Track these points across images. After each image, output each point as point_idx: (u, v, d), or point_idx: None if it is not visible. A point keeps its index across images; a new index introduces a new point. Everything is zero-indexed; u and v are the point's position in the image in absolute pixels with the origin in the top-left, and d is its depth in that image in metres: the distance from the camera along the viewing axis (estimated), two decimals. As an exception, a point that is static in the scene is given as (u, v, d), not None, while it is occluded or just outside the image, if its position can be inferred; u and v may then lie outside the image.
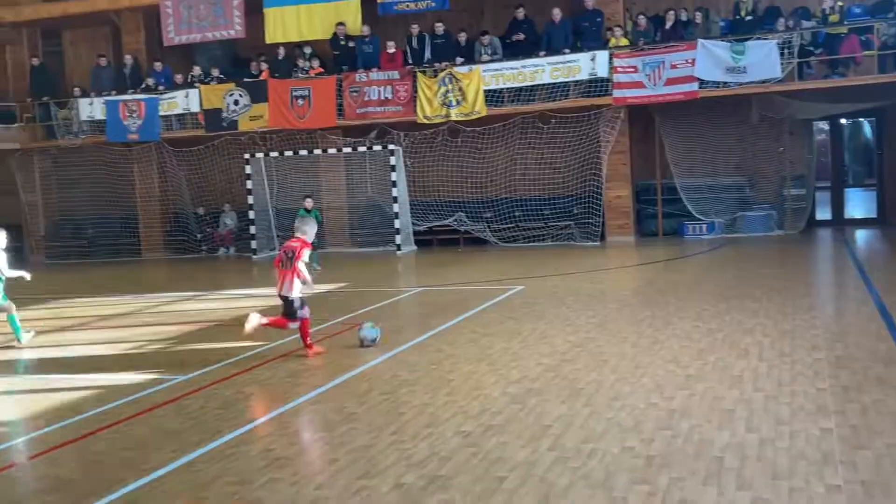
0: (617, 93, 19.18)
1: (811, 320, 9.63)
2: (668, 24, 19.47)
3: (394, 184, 20.34)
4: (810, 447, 5.49)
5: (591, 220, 20.05)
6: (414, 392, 7.38)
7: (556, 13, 19.93)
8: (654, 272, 14.55)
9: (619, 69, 19.07)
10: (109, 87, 23.01)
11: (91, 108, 22.81)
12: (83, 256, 23.66)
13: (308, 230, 9.21)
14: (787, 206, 20.10)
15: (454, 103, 20.10)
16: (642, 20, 19.58)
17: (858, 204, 24.56)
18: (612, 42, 19.41)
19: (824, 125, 22.54)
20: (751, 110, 19.97)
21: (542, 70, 19.58)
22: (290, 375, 8.28)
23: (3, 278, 10.68)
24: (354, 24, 21.09)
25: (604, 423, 6.23)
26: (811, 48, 18.75)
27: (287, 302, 9.00)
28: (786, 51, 18.20)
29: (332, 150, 21.22)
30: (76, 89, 23.29)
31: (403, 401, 7.11)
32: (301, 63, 21.63)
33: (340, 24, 21.02)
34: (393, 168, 20.36)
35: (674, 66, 18.69)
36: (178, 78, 22.43)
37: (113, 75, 23.32)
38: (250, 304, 13.60)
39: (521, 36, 20.03)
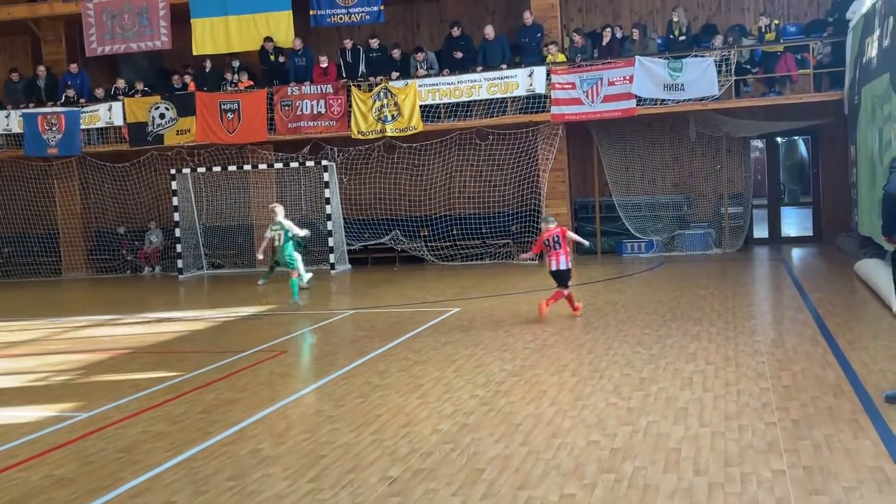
0: (555, 109, 18.87)
1: (755, 345, 9.30)
2: (605, 41, 19.23)
3: (327, 201, 19.70)
4: (763, 492, 5.07)
5: (529, 239, 19.67)
6: (337, 430, 6.79)
7: (489, 31, 19.61)
8: (593, 292, 14.18)
9: (556, 85, 18.77)
10: (25, 100, 21.96)
11: (7, 121, 21.72)
12: (2, 276, 22.49)
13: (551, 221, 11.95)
14: (724, 225, 19.99)
15: (389, 118, 19.57)
16: (577, 38, 19.32)
17: (795, 221, 24.67)
18: (549, 58, 19.12)
19: (760, 143, 22.58)
20: (688, 128, 19.86)
21: (479, 85, 19.18)
22: (205, 411, 7.62)
23: None
24: (286, 36, 20.46)
25: (542, 465, 5.72)
26: (748, 66, 18.70)
27: (566, 273, 11.70)
28: (723, 68, 18.11)
29: (262, 166, 20.50)
30: (-10, 101, 22.19)
31: (325, 441, 6.52)
32: (229, 76, 20.90)
33: (268, 38, 20.36)
34: (327, 185, 19.73)
35: (612, 83, 18.45)
36: (100, 92, 21.48)
37: (27, 87, 22.24)
38: (171, 328, 12.87)
39: (459, 54, 19.59)
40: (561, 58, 19.12)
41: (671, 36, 19.30)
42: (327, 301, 15.54)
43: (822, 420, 6.44)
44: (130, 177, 21.92)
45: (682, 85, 18.10)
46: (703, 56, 18.25)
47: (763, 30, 18.75)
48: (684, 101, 18.31)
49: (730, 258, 18.61)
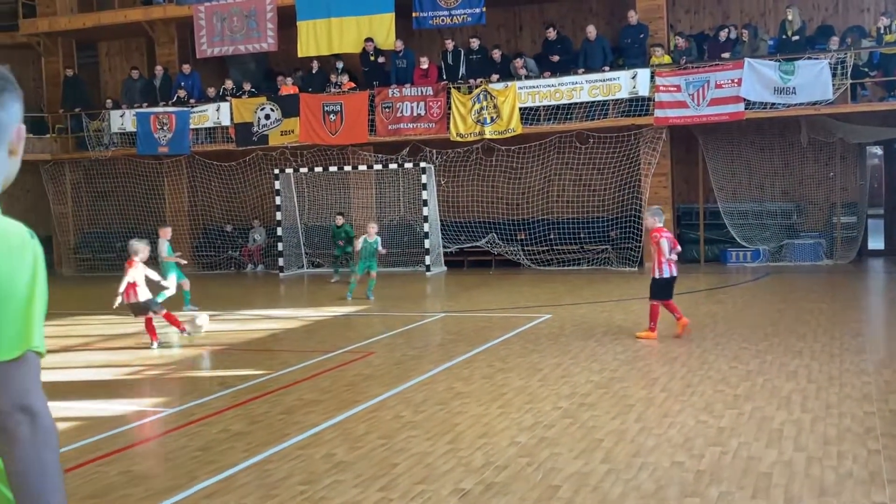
0: (658, 112, 18.37)
1: (861, 364, 8.75)
2: (713, 42, 18.61)
3: (425, 203, 19.71)
4: (860, 528, 4.69)
5: (629, 245, 19.23)
6: (414, 438, 6.67)
7: (591, 31, 19.22)
8: (692, 302, 13.69)
9: (661, 88, 18.27)
10: (141, 100, 22.74)
11: (122, 121, 22.55)
12: (111, 270, 23.30)
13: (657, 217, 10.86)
14: (836, 235, 19.07)
15: (488, 121, 19.44)
16: (681, 41, 18.75)
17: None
18: (655, 60, 18.62)
19: (877, 149, 21.46)
20: (800, 133, 19.02)
21: (580, 88, 18.84)
22: (285, 412, 7.62)
23: None
24: (388, 38, 20.55)
25: (621, 485, 5.46)
26: (865, 69, 17.78)
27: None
28: (839, 71, 17.26)
29: (362, 167, 20.66)
30: (108, 101, 23.06)
31: (400, 448, 6.41)
32: (333, 78, 21.14)
33: (369, 39, 20.49)
34: (424, 186, 19.73)
35: (719, 86, 17.83)
36: (211, 91, 22.08)
37: (144, 87, 23.04)
38: (266, 326, 13.05)
39: (556, 57, 19.29)
40: (666, 59, 18.60)
41: (784, 36, 18.53)
42: (419, 303, 15.49)
43: (932, 450, 5.96)
44: (236, 176, 22.43)
45: (794, 88, 17.34)
46: (817, 58, 17.44)
47: (883, 31, 17.80)
48: (796, 105, 17.55)
49: (841, 270, 17.74)
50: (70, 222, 24.32)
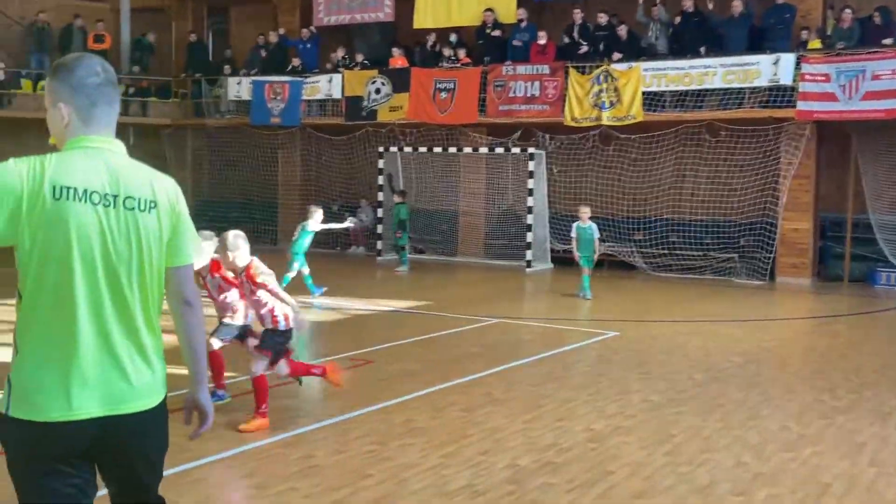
0: (802, 105, 15.84)
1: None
2: (874, 27, 15.84)
3: (530, 192, 18.01)
4: None
5: (759, 255, 16.82)
6: (493, 414, 5.24)
7: (737, 5, 16.74)
8: (812, 330, 11.41)
9: (807, 77, 15.72)
10: (262, 68, 22.18)
11: (238, 88, 22.08)
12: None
13: None
14: None
15: (607, 105, 17.47)
16: (848, 14, 16.06)
17: None
18: (812, 45, 16.08)
19: None
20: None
21: (712, 73, 16.56)
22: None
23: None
24: (508, 9, 18.88)
25: (674, 477, 5.12)
26: None
27: None
28: None
29: (467, 150, 19.17)
30: (226, 67, 22.68)
31: (478, 421, 4.97)
32: (448, 52, 19.73)
33: (488, 9, 18.88)
34: (531, 174, 18.02)
35: (876, 77, 15.11)
36: (335, 57, 21.13)
37: (266, 56, 22.45)
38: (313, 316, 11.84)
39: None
40: (815, 44, 16.02)
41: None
42: (486, 304, 13.75)
43: None
44: (345, 152, 21.48)
45: (972, 83, 14.43)
46: None
47: None
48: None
49: None
50: (189, 189, 24.20)
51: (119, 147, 2.80)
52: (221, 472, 5.54)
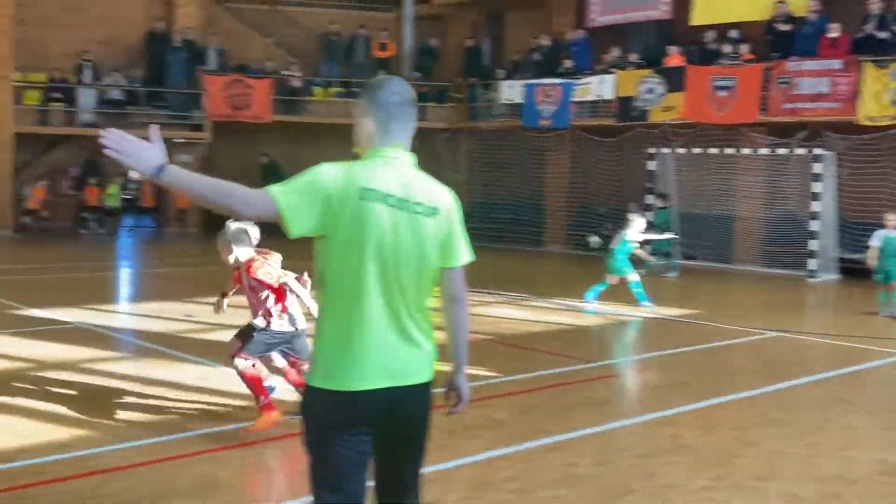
0: None
1: None
2: None
3: (815, 196, 16.67)
4: None
5: None
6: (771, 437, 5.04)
7: None
8: None
9: None
10: (535, 71, 22.30)
11: (510, 91, 22.36)
12: (492, 241, 23.39)
13: None
14: None
15: (910, 102, 15.80)
16: None
17: None
18: None
19: None
20: None
21: None
22: (468, 426, 6.33)
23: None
24: (800, 1, 17.61)
25: None
26: None
27: None
28: None
29: (745, 150, 18.09)
30: (500, 72, 23.04)
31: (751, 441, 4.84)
32: (728, 49, 18.75)
33: (780, 1, 17.71)
34: (817, 177, 16.68)
35: None
36: (607, 57, 20.85)
37: (539, 59, 22.54)
38: (559, 319, 11.72)
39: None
40: None
41: None
42: (765, 315, 12.81)
43: None
44: (615, 154, 21.06)
45: None
46: None
47: None
48: None
49: None
50: (463, 191, 24.85)
51: (409, 158, 3.19)
52: (484, 472, 5.46)
